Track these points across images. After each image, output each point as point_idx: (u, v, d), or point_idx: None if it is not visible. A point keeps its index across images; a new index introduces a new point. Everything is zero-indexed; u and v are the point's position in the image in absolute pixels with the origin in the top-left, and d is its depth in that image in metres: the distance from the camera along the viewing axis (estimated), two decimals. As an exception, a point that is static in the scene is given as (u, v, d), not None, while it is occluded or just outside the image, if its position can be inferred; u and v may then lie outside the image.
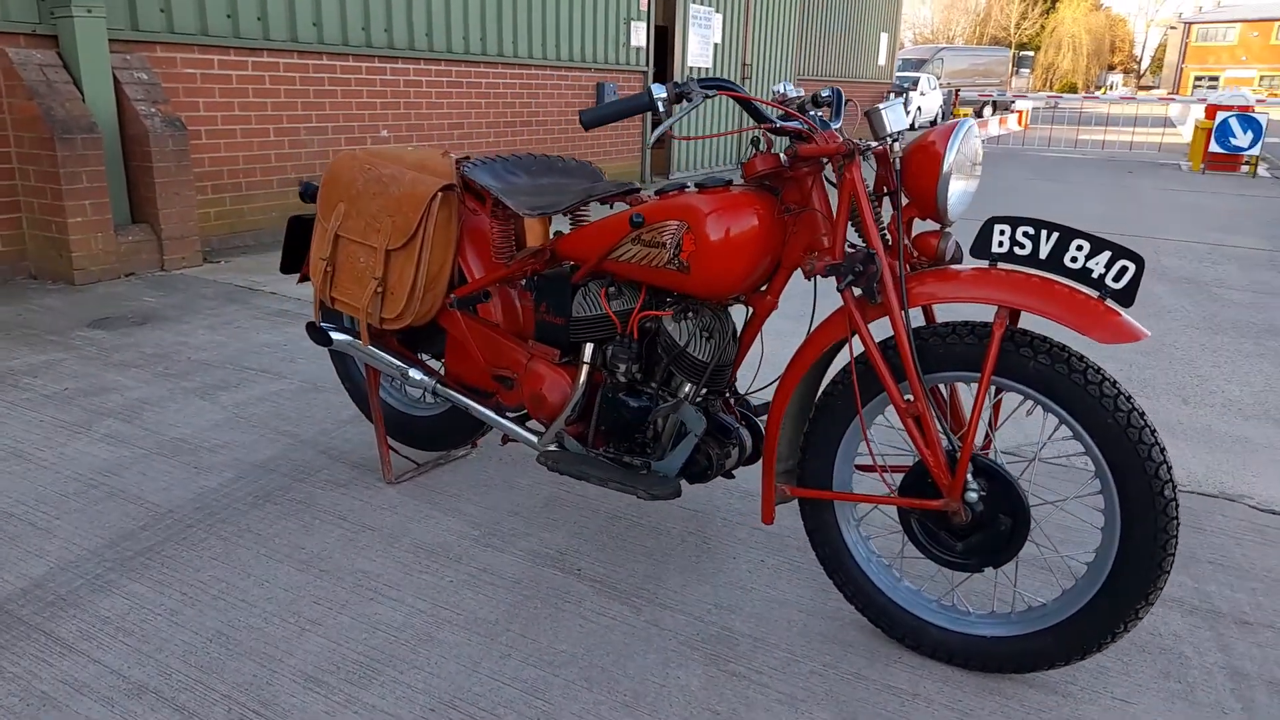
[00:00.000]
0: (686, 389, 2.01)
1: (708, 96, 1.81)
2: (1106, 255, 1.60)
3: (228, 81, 5.75)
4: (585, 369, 2.15)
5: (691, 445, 2.01)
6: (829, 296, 4.57)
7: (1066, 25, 66.21)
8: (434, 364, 2.74)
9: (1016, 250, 1.69)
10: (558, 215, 2.10)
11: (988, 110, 27.93)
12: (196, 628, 1.93)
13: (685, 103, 1.79)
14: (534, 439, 2.26)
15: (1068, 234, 1.63)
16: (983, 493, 1.73)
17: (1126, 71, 73.65)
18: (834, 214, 1.83)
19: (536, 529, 2.39)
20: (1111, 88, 61.46)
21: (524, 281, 2.28)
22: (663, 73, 10.45)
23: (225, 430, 2.97)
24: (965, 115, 17.09)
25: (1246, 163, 13.51)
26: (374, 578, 2.14)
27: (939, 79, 25.76)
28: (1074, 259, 1.63)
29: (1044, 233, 1.66)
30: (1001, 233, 1.69)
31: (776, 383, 1.96)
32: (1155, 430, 1.62)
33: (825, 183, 1.87)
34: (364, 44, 6.60)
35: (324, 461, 2.76)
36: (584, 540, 2.34)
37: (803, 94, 1.90)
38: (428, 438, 2.68)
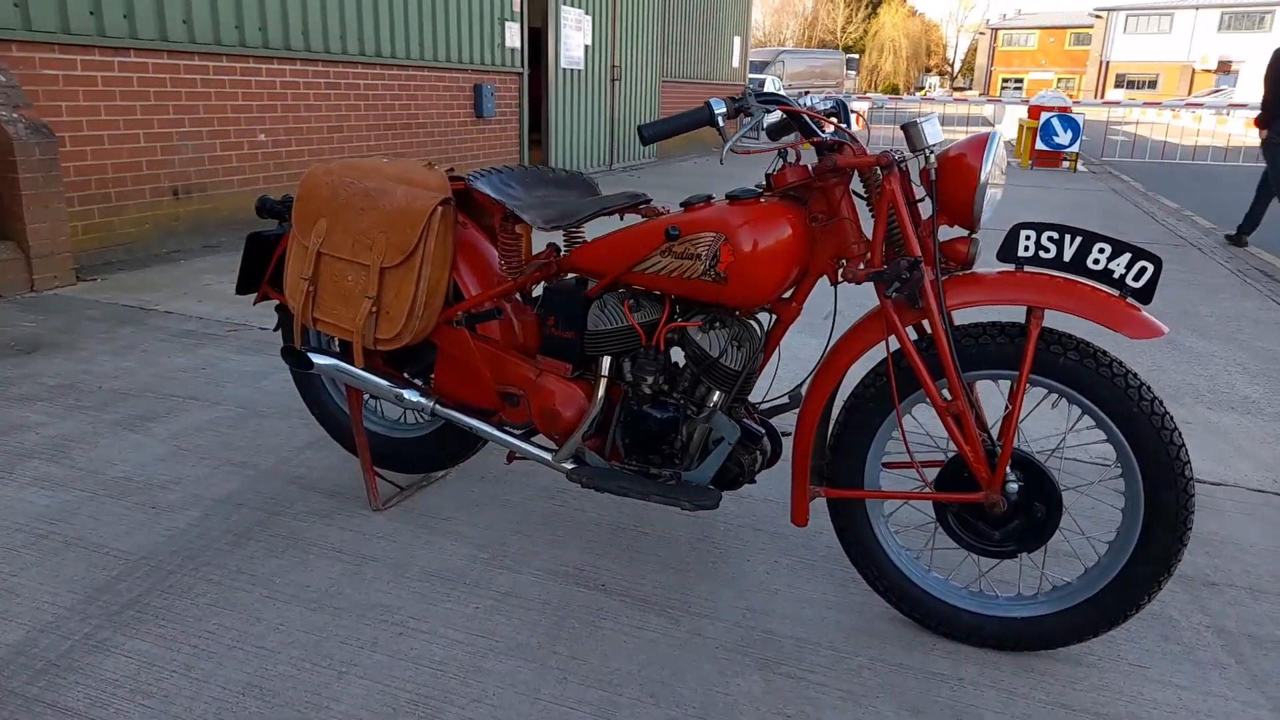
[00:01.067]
0: (716, 398, 2.04)
1: (767, 111, 1.84)
2: (1127, 257, 1.74)
3: (92, 84, 5.29)
4: (604, 382, 2.13)
5: (725, 454, 2.03)
6: (852, 299, 4.69)
7: (887, 30, 70.12)
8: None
9: (1041, 254, 1.80)
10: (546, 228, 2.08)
11: (827, 110, 29.22)
12: (222, 682, 1.79)
13: (745, 117, 1.81)
14: (547, 456, 2.22)
15: (1090, 238, 1.76)
16: (1020, 483, 1.84)
17: (942, 74, 78.77)
18: (855, 221, 1.90)
19: (544, 546, 2.35)
20: (931, 89, 65.56)
21: (534, 296, 2.24)
22: (537, 73, 10.38)
23: (171, 465, 2.75)
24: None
25: (1066, 159, 14.77)
26: (395, 611, 2.05)
27: (783, 81, 26.76)
28: (1096, 261, 1.76)
29: (1068, 237, 1.78)
30: (1027, 238, 1.81)
31: (806, 385, 2.02)
32: (1172, 417, 1.77)
33: (850, 193, 1.93)
34: (238, 43, 6.23)
35: (296, 492, 2.61)
36: (596, 554, 2.32)
37: (830, 105, 1.95)
38: (412, 460, 2.58)
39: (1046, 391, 1.87)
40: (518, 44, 9.58)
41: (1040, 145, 14.53)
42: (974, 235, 1.88)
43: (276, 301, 2.62)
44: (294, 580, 2.16)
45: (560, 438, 2.22)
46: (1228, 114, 26.93)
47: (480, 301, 2.27)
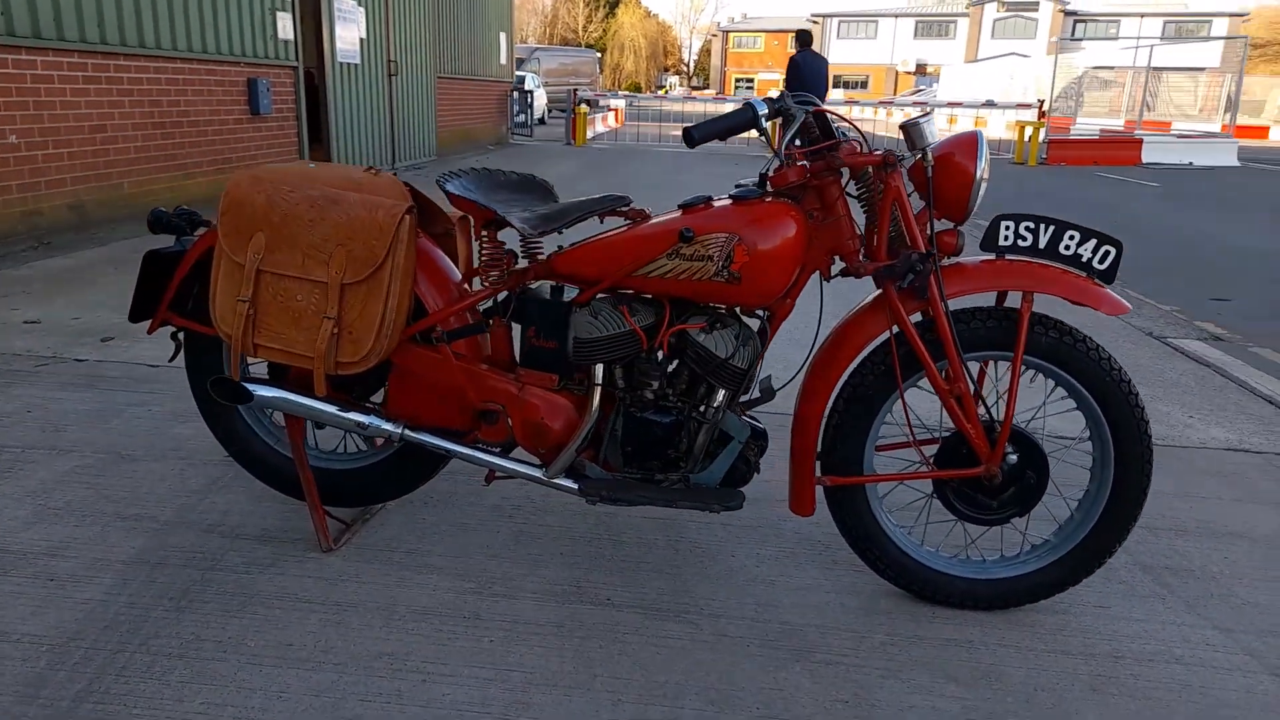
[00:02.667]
0: (720, 398, 2.04)
1: (807, 112, 1.85)
2: (1093, 242, 1.94)
3: None
4: (598, 391, 2.07)
5: (736, 452, 2.04)
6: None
7: (626, 29, 72.34)
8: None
9: (1020, 242, 1.97)
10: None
11: (584, 108, 29.77)
12: (246, 767, 1.56)
13: (787, 119, 1.82)
14: (537, 473, 2.12)
15: (1061, 226, 1.95)
16: (1015, 455, 2.00)
17: (679, 73, 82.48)
18: (850, 217, 1.98)
19: (527, 568, 2.25)
20: (671, 88, 68.43)
21: (489, 306, 2.13)
22: (319, 65, 9.72)
23: (48, 527, 2.34)
24: (584, 112, 18.06)
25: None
26: (405, 657, 1.88)
27: (540, 78, 26.85)
28: (1066, 246, 1.95)
29: (1042, 226, 1.95)
30: (1007, 228, 1.96)
31: (804, 375, 2.07)
32: (1134, 384, 2.00)
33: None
34: (-23, 30, 5.34)
35: (220, 541, 2.30)
36: (584, 569, 2.25)
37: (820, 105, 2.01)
38: (353, 494, 2.36)
39: (1024, 368, 2.04)
40: (291, 35, 8.93)
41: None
42: (959, 227, 2.01)
43: (176, 329, 2.30)
44: (271, 640, 1.91)
45: (548, 453, 2.13)
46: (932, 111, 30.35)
47: (446, 315, 2.12)
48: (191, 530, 2.36)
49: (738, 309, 2.05)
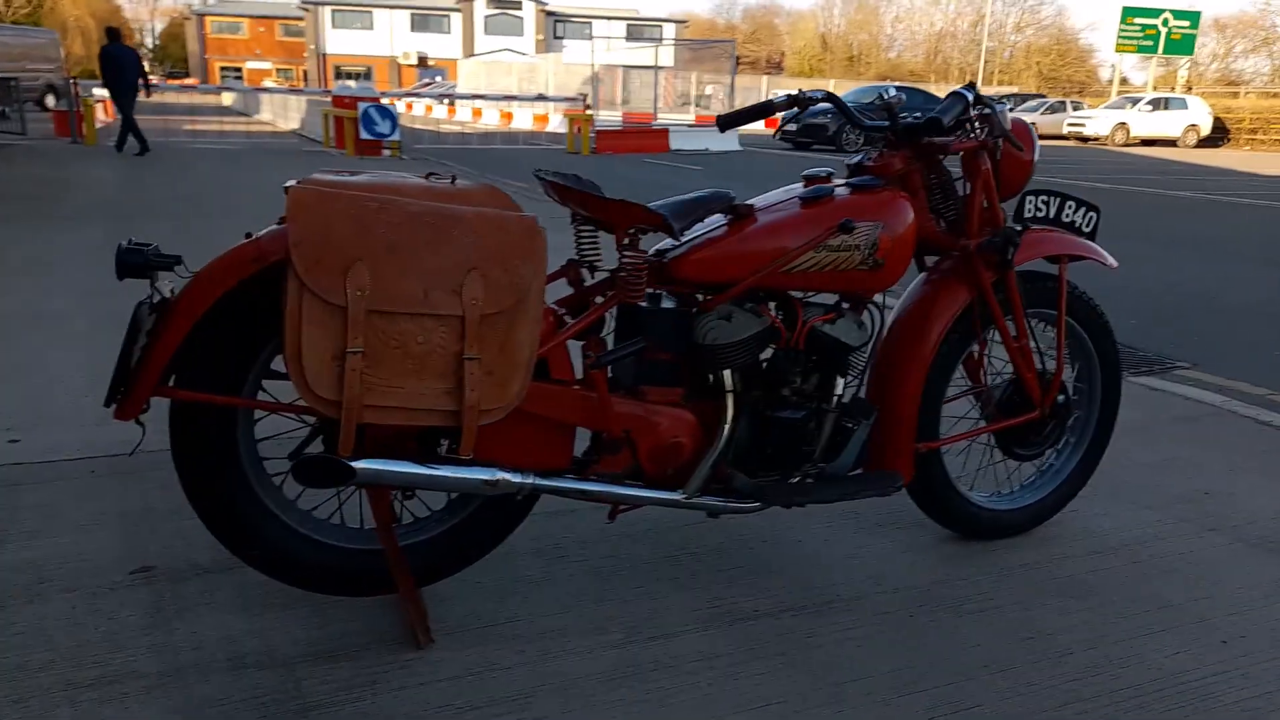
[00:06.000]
0: (841, 384, 2.06)
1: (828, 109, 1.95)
2: (1084, 209, 2.33)
3: None
4: (732, 398, 1.96)
5: (866, 434, 2.08)
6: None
7: (66, 7, 62.02)
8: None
9: (1038, 214, 2.29)
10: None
11: (51, 99, 25.03)
12: None
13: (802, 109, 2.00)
14: (675, 495, 1.95)
15: (1063, 198, 2.31)
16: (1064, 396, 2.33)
17: (150, 59, 73.07)
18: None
19: (642, 603, 2.05)
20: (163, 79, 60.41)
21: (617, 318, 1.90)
22: None
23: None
24: (91, 103, 15.28)
25: (388, 147, 15.54)
26: (656, 731, 1.63)
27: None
28: (1068, 216, 2.32)
29: (1052, 199, 2.30)
30: (1030, 203, 2.27)
31: (886, 349, 2.18)
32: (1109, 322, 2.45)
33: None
34: None
35: (275, 677, 1.72)
36: (692, 590, 2.12)
37: (903, 97, 2.10)
38: (425, 567, 1.93)
39: (1036, 320, 2.38)
40: None
41: (364, 134, 14.99)
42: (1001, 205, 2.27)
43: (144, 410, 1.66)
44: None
45: (676, 473, 1.97)
46: (447, 102, 31.20)
47: (565, 339, 1.85)
48: (223, 672, 1.73)
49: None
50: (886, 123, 2.08)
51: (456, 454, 1.80)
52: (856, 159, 2.13)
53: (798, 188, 2.07)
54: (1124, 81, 45.22)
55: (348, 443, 1.59)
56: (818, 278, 1.95)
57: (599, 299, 1.98)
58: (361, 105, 14.98)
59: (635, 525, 2.40)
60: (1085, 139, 26.80)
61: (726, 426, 1.95)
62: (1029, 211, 2.27)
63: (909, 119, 2.07)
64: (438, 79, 44.05)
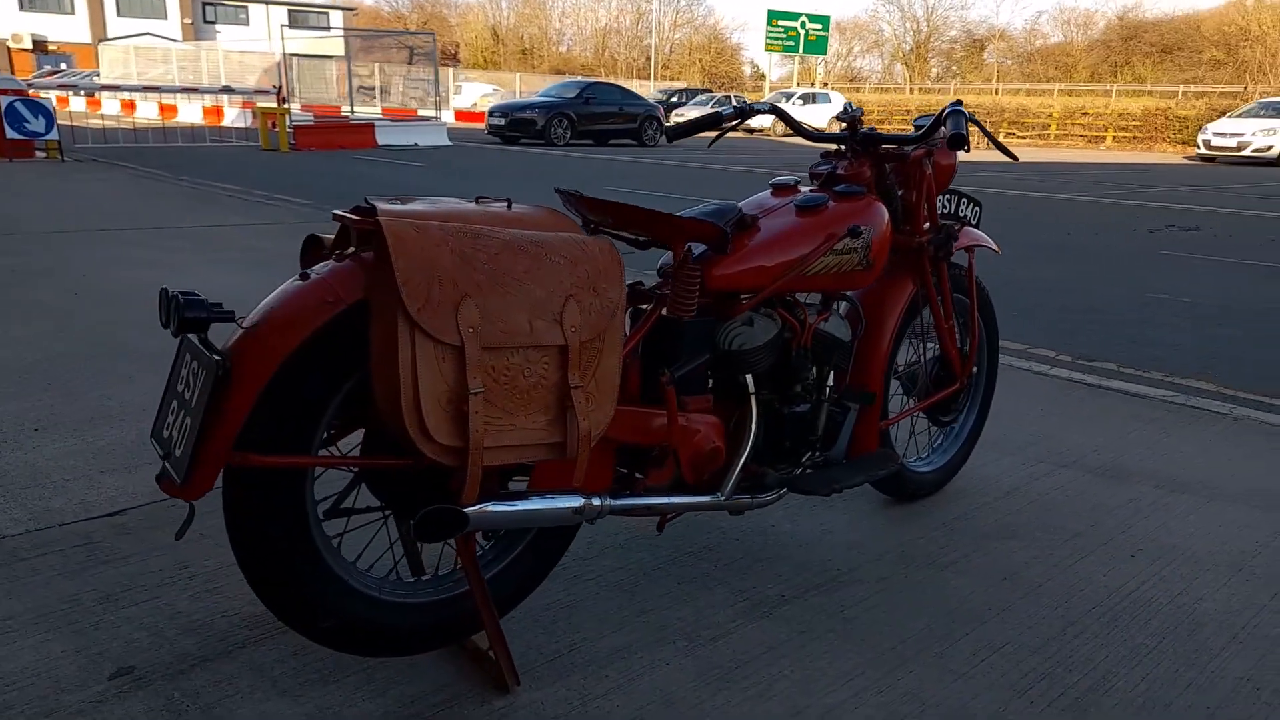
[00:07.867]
0: (831, 378, 2.23)
1: (761, 112, 2.21)
2: (971, 204, 2.69)
3: None
4: (755, 400, 2.06)
5: (855, 419, 2.27)
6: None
7: None
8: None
9: (945, 209, 2.62)
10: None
11: None
12: None
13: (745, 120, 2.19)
14: (718, 498, 2.01)
15: (958, 195, 2.65)
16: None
17: None
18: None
19: (671, 608, 2.09)
20: None
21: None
22: None
23: None
24: None
25: (41, 148, 13.42)
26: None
27: None
28: (961, 210, 2.68)
29: (952, 197, 2.63)
30: (941, 200, 2.59)
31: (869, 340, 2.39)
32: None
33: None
34: None
35: (370, 759, 1.56)
36: (709, 587, 2.20)
37: (860, 111, 2.28)
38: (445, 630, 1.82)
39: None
40: None
41: (12, 134, 12.82)
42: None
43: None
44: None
45: (710, 478, 2.03)
46: (84, 94, 27.52)
47: (628, 351, 1.84)
48: (300, 773, 1.52)
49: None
50: (845, 134, 2.28)
51: (525, 488, 1.75)
52: (824, 168, 2.30)
53: (770, 198, 2.20)
54: (760, 77, 50.57)
55: (473, 489, 1.48)
56: (824, 280, 2.10)
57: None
58: (4, 99, 12.77)
59: (617, 535, 2.42)
60: (751, 130, 29.50)
61: (753, 426, 2.04)
62: (940, 208, 2.58)
63: (868, 130, 2.29)
64: (63, 66, 38.47)
